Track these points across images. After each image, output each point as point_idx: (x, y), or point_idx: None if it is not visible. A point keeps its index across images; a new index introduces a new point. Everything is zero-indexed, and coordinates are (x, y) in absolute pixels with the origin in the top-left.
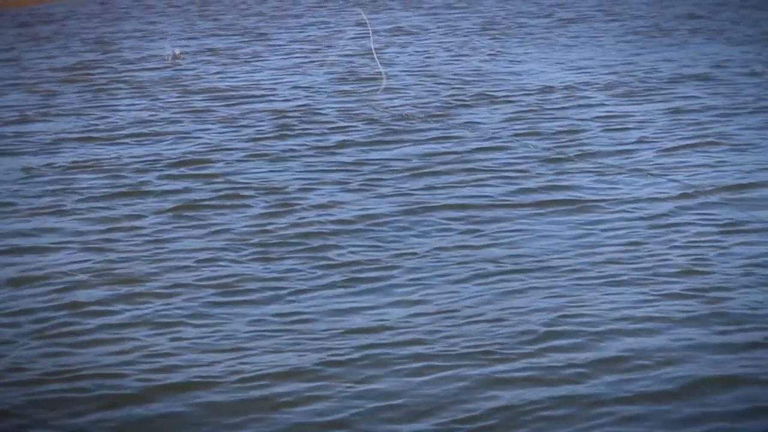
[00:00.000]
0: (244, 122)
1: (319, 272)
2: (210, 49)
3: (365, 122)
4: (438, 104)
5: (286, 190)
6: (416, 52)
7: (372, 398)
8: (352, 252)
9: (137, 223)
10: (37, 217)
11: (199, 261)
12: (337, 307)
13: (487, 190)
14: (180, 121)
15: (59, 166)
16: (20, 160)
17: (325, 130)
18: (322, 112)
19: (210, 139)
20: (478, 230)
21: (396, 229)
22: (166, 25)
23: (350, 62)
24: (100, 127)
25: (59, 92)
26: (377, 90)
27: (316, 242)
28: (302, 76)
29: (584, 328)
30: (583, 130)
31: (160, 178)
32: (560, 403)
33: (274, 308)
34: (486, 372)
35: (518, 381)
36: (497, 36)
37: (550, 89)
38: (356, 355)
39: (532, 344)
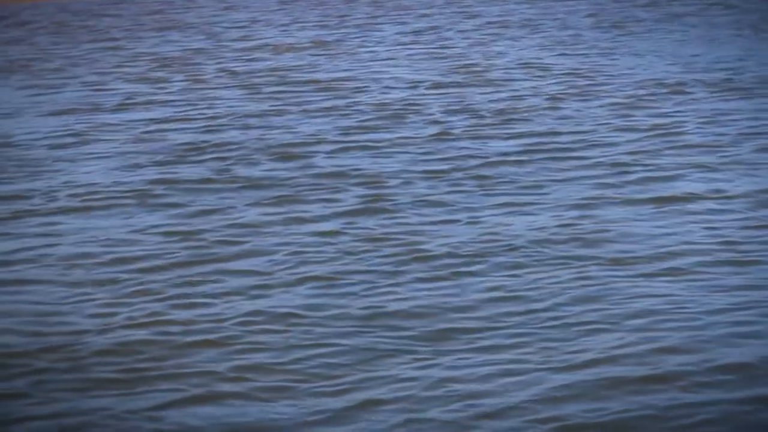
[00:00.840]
0: (348, 113)
1: (415, 266)
2: (318, 41)
3: (467, 115)
4: (544, 97)
5: (385, 183)
6: (527, 45)
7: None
8: (449, 245)
9: (234, 212)
10: (130, 207)
11: (294, 253)
12: (434, 302)
13: (580, 186)
14: (284, 112)
15: (161, 154)
16: (121, 147)
17: (428, 123)
18: (425, 104)
19: (312, 129)
20: (574, 224)
21: (500, 224)
22: (278, 15)
23: (458, 55)
24: (203, 115)
25: (165, 80)
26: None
27: (412, 237)
28: (407, 69)
29: (685, 329)
30: (685, 124)
31: (260, 167)
32: (681, 407)
33: (366, 302)
34: (599, 372)
35: (636, 381)
36: (609, 29)
37: (658, 84)
38: (450, 351)
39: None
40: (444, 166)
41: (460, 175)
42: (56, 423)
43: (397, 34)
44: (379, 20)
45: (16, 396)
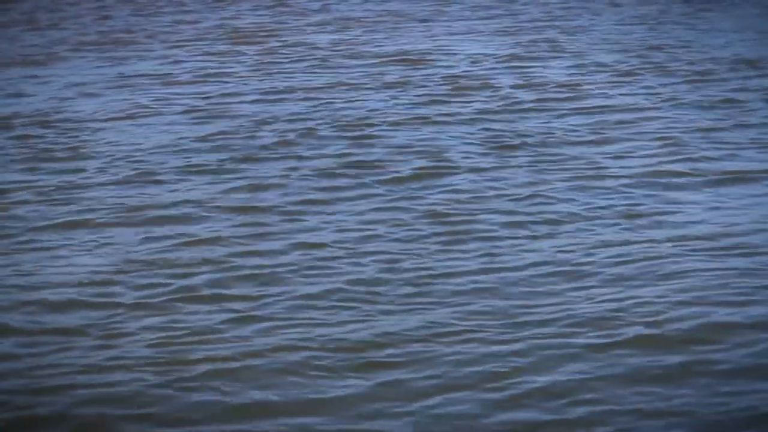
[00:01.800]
0: (414, 87)
1: (477, 244)
2: (390, 13)
3: (531, 90)
4: (617, 73)
5: (447, 156)
6: (609, 20)
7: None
8: (511, 221)
9: (297, 187)
10: (201, 175)
11: (356, 229)
12: (495, 279)
13: (648, 160)
14: (351, 85)
15: (230, 127)
16: (189, 119)
17: (493, 98)
18: (494, 79)
19: (378, 103)
20: (639, 204)
21: (563, 200)
22: None
23: (534, 31)
24: (275, 88)
25: (236, 53)
26: None
27: (475, 215)
28: (479, 43)
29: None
30: (754, 102)
31: (325, 140)
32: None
33: (424, 276)
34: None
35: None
36: (692, 4)
37: (735, 60)
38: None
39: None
40: (513, 141)
41: (526, 150)
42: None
43: (469, 8)
44: None
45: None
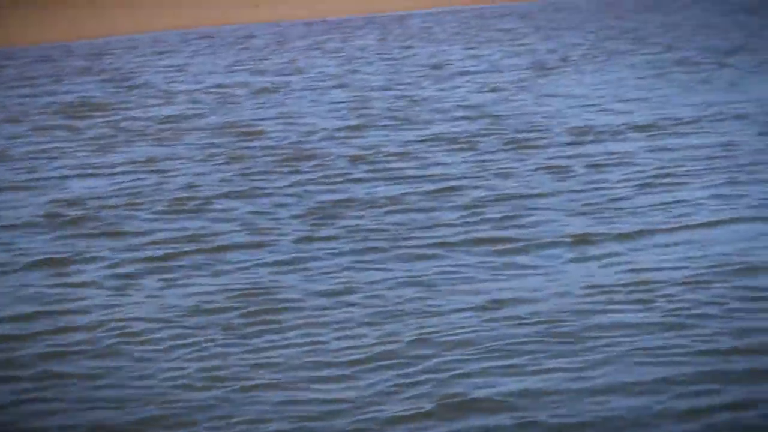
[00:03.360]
0: (247, 159)
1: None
2: (223, 86)
3: (362, 161)
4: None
5: (268, 228)
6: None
7: None
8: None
9: (119, 255)
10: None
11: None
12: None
13: (456, 229)
14: (183, 158)
15: (58, 197)
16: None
17: (321, 167)
18: (325, 149)
19: (206, 177)
20: (437, 267)
21: (379, 269)
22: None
23: (376, 101)
24: (104, 163)
25: (69, 128)
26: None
27: (279, 288)
28: (316, 116)
29: None
30: None
31: (156, 213)
32: None
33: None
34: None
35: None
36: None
37: None
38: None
39: None
40: (332, 209)
41: (345, 220)
42: None
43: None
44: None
45: None
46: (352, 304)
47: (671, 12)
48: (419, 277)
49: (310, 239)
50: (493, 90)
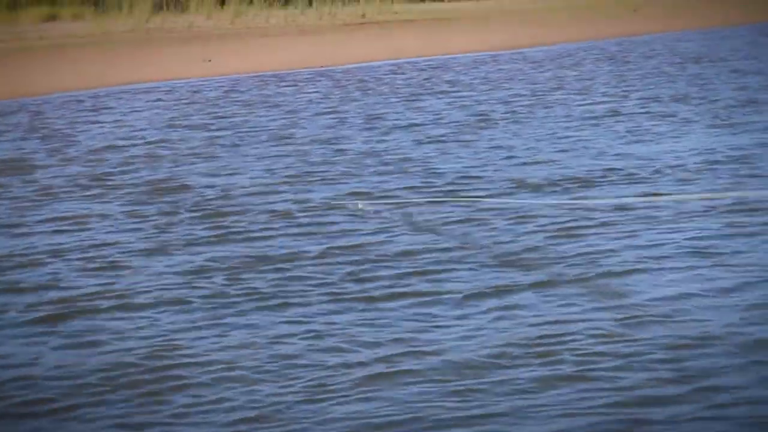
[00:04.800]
0: (164, 214)
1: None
2: (149, 142)
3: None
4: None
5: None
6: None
7: None
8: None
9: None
10: None
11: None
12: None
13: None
14: (105, 216)
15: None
16: None
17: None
18: (244, 206)
19: (127, 234)
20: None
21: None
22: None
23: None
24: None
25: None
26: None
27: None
28: (240, 175)
29: None
30: None
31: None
32: None
33: None
34: None
35: None
36: None
37: None
38: None
39: None
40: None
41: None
42: None
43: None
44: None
45: None
46: (257, 358)
47: (625, 62)
48: (329, 329)
49: (226, 295)
50: (430, 142)
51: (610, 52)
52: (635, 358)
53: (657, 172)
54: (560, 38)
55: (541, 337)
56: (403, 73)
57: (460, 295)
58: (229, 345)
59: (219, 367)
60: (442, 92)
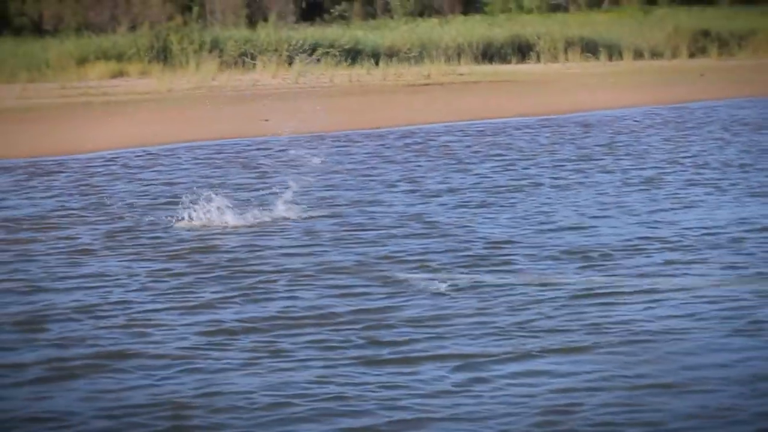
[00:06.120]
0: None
1: None
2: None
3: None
4: None
5: None
6: None
7: None
8: None
9: None
10: None
11: None
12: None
13: None
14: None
15: None
16: None
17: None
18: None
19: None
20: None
21: None
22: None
23: None
24: None
25: None
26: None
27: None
28: None
29: None
30: None
31: None
32: None
33: None
34: None
35: None
36: None
37: None
38: None
39: None
40: None
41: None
42: None
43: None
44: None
45: None
46: None
47: (683, 128)
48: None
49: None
50: (469, 206)
51: (668, 117)
52: None
53: (690, 240)
54: (620, 102)
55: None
56: (453, 135)
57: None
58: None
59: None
60: (488, 156)
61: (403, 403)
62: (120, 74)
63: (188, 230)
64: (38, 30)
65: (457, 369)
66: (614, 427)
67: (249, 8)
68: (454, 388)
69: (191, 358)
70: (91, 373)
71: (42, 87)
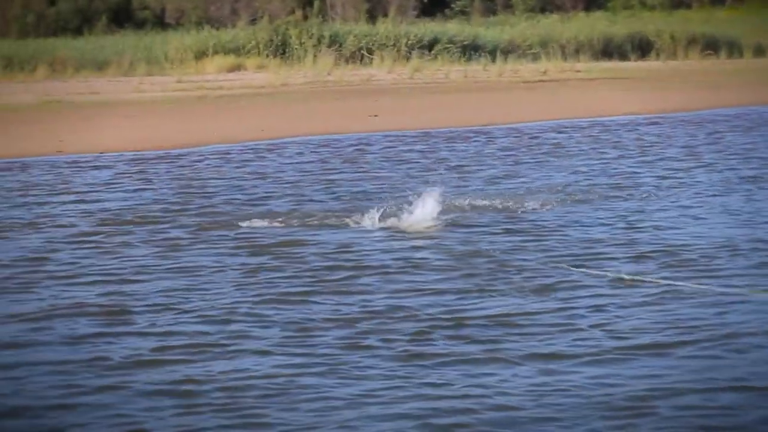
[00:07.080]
0: None
1: None
2: None
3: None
4: None
5: None
6: None
7: None
8: None
9: None
10: None
11: None
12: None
13: None
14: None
15: None
16: None
17: None
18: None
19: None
20: None
21: None
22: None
23: None
24: None
25: None
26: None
27: None
28: None
29: None
30: None
31: None
32: None
33: None
34: None
35: None
36: None
37: None
38: None
39: None
40: None
41: None
42: None
43: None
44: None
45: None
46: None
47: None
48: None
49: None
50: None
51: None
52: None
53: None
54: (736, 101)
55: None
56: (560, 133)
57: None
58: None
59: None
60: (576, 154)
61: None
62: (237, 68)
63: None
64: (161, 23)
65: None
66: None
67: (369, 3)
68: None
69: None
70: None
71: (158, 80)
